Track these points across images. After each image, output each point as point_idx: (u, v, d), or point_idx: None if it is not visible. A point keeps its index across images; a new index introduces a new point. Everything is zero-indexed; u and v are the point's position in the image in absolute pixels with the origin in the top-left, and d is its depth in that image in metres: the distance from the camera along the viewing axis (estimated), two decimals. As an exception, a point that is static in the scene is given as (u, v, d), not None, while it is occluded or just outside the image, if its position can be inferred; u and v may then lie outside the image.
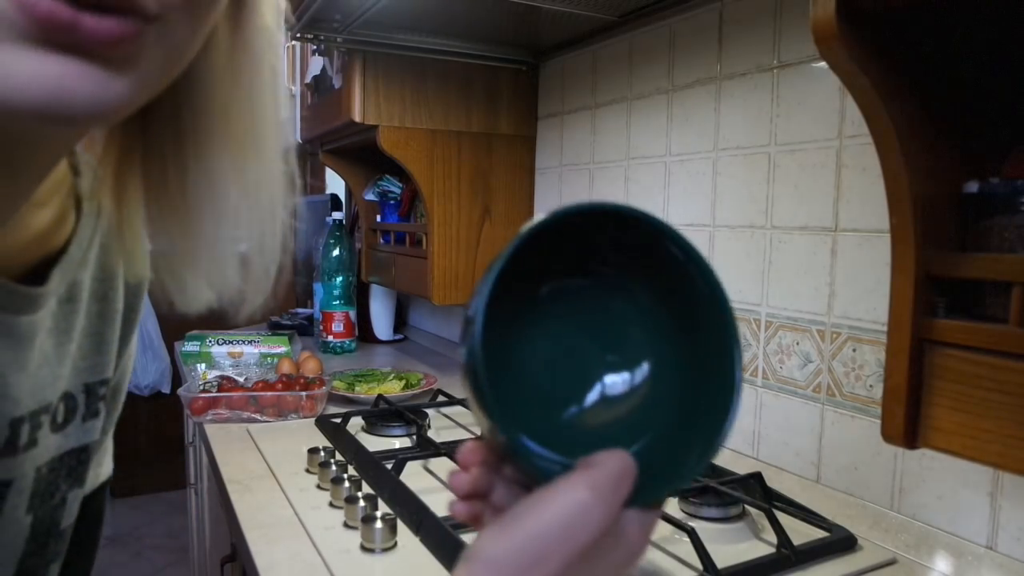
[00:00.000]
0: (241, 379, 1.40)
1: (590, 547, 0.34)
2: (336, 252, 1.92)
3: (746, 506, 0.88)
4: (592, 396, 0.42)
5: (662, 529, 0.81)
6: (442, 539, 0.78)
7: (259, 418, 1.27)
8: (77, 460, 0.47)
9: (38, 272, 0.40)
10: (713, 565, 0.72)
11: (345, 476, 0.93)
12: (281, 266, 0.44)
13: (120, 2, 0.25)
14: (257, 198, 0.41)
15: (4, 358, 0.38)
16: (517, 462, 0.39)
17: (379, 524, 0.78)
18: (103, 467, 0.54)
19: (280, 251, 0.43)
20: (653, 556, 0.79)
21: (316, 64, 1.67)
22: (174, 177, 0.39)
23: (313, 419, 1.28)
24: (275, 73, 0.39)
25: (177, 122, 0.38)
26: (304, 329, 2.15)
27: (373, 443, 1.13)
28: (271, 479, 1.00)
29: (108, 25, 0.25)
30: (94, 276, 0.45)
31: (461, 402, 1.35)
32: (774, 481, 0.93)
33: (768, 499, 0.87)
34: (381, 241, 1.81)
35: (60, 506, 0.45)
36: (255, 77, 0.38)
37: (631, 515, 0.37)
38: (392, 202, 1.79)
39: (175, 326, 2.42)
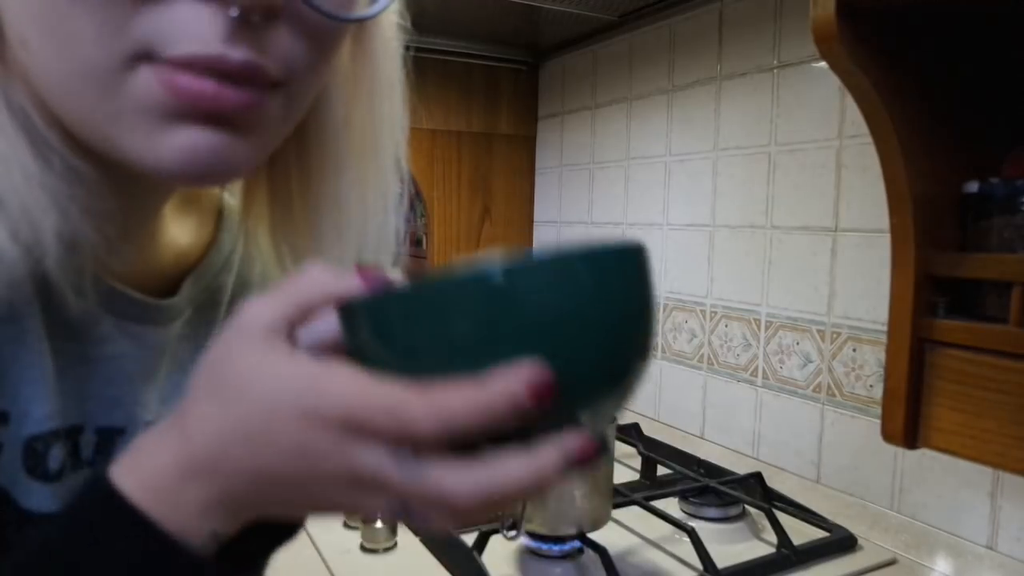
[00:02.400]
0: (241, 379, 1.40)
1: None
2: (336, 252, 1.92)
3: (746, 506, 0.88)
4: None
5: (662, 529, 0.81)
6: (443, 539, 0.78)
7: (259, 418, 1.26)
8: None
9: (176, 284, 0.40)
10: (713, 565, 0.72)
11: (345, 476, 0.93)
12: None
13: (248, 74, 0.28)
14: (375, 209, 0.41)
15: (134, 367, 0.38)
16: None
17: (379, 524, 0.78)
18: None
19: (395, 261, 0.43)
20: (653, 556, 0.79)
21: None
22: (298, 191, 0.40)
23: (313, 419, 1.27)
24: (392, 85, 0.40)
25: (300, 137, 0.38)
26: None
27: (373, 443, 1.13)
28: (271, 479, 1.00)
29: (243, 95, 0.28)
30: (236, 281, 0.45)
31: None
32: (774, 481, 0.93)
33: (768, 499, 0.87)
34: (381, 241, 1.82)
35: None
36: (375, 90, 0.39)
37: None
38: (392, 202, 1.80)
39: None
